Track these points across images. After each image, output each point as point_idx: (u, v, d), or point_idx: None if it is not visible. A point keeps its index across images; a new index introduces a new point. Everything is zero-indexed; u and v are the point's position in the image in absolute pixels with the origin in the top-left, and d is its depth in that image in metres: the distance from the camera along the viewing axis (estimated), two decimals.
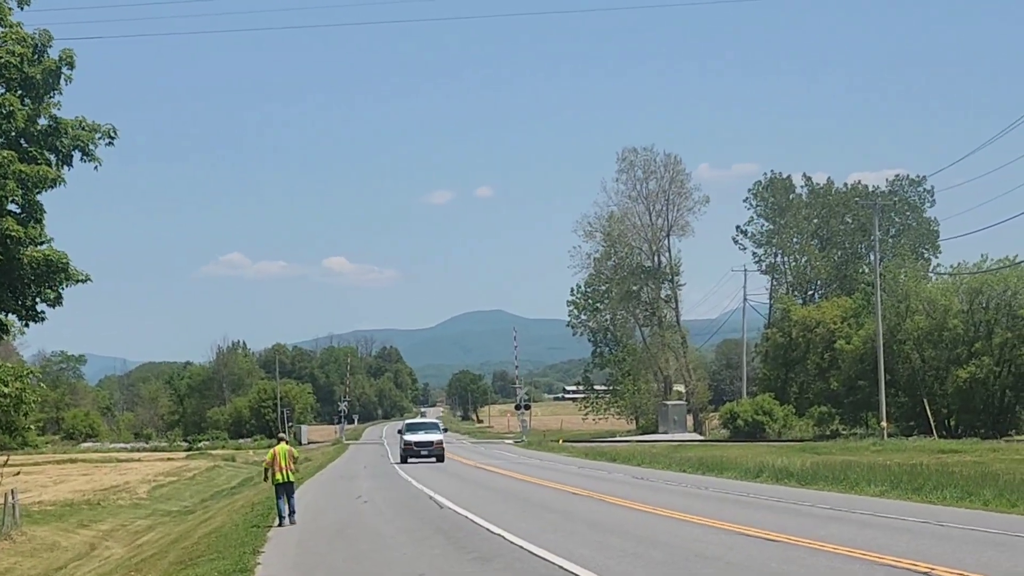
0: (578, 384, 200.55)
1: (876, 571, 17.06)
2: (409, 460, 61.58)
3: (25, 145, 24.66)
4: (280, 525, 31.29)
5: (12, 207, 23.04)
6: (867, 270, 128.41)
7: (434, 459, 60.96)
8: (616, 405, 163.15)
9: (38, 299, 26.49)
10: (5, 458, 57.39)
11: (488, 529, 26.08)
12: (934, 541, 23.76)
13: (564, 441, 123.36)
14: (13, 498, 42.48)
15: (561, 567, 18.87)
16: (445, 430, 62.84)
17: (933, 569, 16.62)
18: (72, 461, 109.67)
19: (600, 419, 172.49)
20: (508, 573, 18.64)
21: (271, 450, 34.75)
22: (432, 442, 61.85)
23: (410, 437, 62.60)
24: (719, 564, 19.81)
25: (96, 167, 27.60)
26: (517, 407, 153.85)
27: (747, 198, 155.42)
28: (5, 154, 24.75)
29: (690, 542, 24.53)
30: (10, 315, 24.71)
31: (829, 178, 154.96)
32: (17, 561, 35.74)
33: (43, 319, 28.29)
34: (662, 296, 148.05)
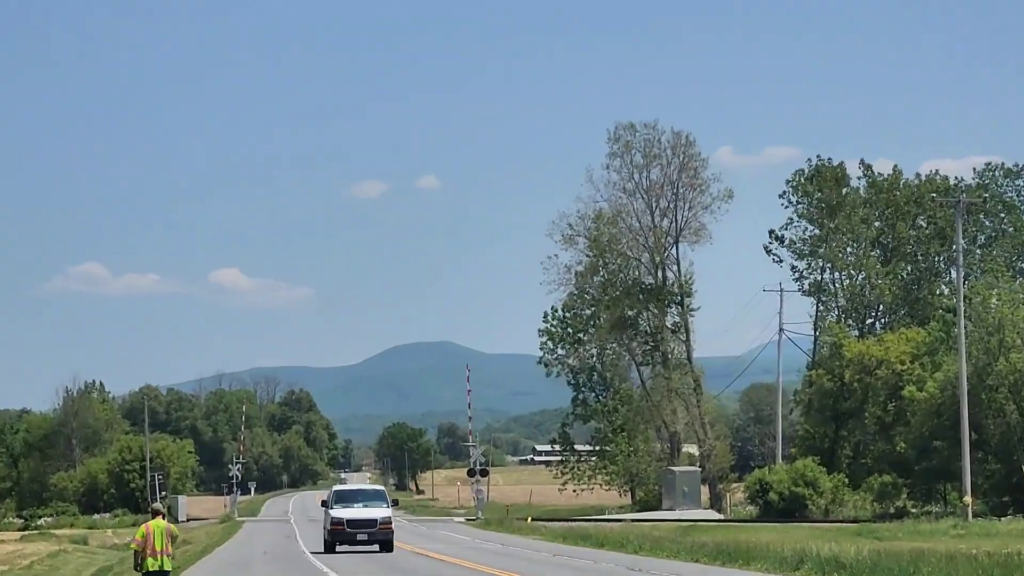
0: (553, 443, 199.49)
1: None
2: (339, 548, 54.61)
3: None
4: None
5: None
6: (947, 291, 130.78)
7: (376, 547, 54.18)
8: (604, 471, 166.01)
9: None
10: None
11: None
12: None
13: (534, 519, 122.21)
14: None
15: None
16: (395, 502, 57.98)
17: None
18: None
19: (583, 490, 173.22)
20: None
21: (142, 527, 29.24)
22: (375, 520, 53.74)
23: (341, 513, 53.96)
24: None
25: None
26: (471, 473, 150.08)
27: (784, 192, 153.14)
28: None
29: None
30: None
31: (896, 167, 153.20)
32: None
33: None
34: (668, 324, 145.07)
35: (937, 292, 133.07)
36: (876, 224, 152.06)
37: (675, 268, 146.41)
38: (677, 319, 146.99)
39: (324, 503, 63.90)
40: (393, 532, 57.33)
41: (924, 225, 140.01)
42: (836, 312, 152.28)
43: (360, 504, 55.71)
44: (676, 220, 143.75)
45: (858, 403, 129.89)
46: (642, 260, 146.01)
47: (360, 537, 53.04)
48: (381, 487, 66.64)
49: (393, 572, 41.51)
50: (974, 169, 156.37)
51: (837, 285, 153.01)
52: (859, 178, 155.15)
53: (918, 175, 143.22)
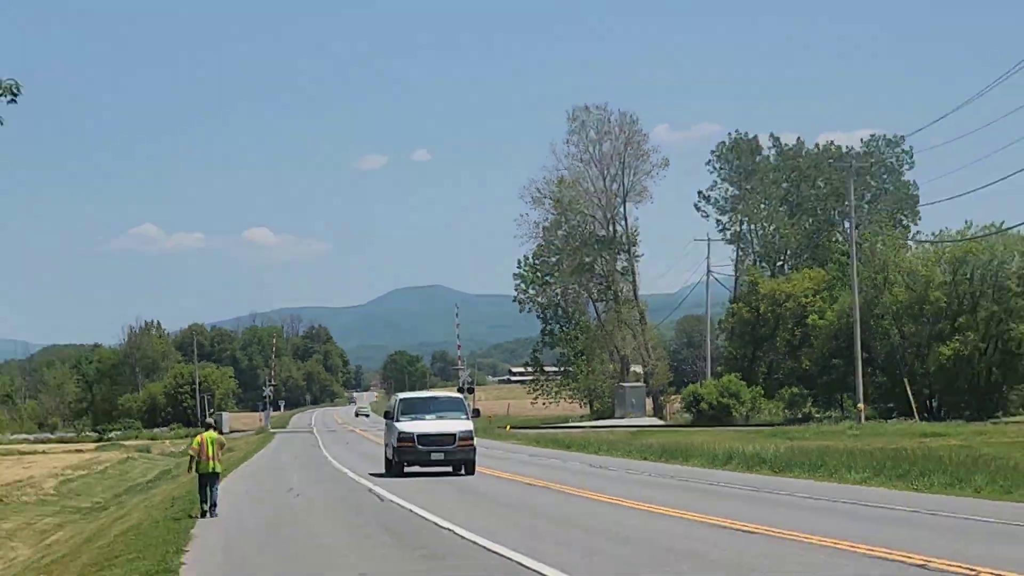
0: (526, 365, 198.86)
1: (868, 565, 16.90)
2: (407, 471, 40.89)
3: None
4: (202, 517, 31.24)
5: None
6: (841, 239, 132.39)
7: (462, 470, 40.74)
8: (568, 388, 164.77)
9: None
10: None
11: (436, 524, 25.15)
12: (927, 532, 23.89)
13: (512, 427, 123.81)
14: None
15: (521, 564, 18.05)
16: (476, 413, 44.35)
17: (929, 562, 16.29)
18: None
19: (551, 403, 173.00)
20: (461, 572, 17.73)
21: (197, 437, 34.39)
22: (454, 435, 39.48)
23: (410, 427, 39.83)
24: (701, 562, 19.21)
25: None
26: (459, 390, 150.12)
27: (710, 161, 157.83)
28: None
29: (662, 536, 24.18)
30: None
31: (799, 138, 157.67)
32: None
33: None
34: (618, 268, 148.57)
35: (834, 240, 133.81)
36: (784, 186, 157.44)
37: (623, 223, 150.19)
38: (625, 264, 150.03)
39: (387, 414, 46.20)
40: (475, 450, 42.04)
41: (823, 186, 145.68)
42: (752, 257, 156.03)
43: (434, 415, 40.52)
44: (623, 184, 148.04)
45: (771, 330, 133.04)
46: (596, 217, 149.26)
47: (435, 456, 39.25)
48: (458, 394, 50.53)
49: (407, 473, 35.99)
50: (861, 139, 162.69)
51: (753, 235, 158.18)
52: (770, 148, 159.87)
53: (817, 145, 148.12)
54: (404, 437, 40.71)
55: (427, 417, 42.05)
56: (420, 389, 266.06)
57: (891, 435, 79.49)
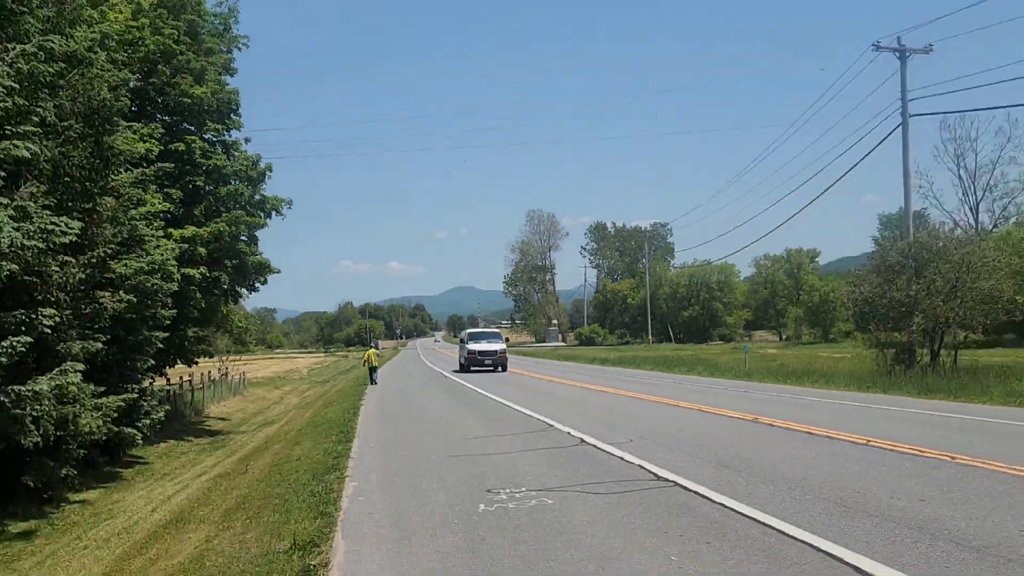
0: (509, 319, 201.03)
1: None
2: (472, 369, 39.06)
3: (249, 208, 25.60)
4: (371, 385, 32.13)
5: (243, 238, 24.94)
6: (642, 266, 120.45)
7: (499, 369, 38.45)
8: (526, 330, 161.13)
9: (256, 282, 26.39)
10: (238, 358, 62.98)
11: (478, 391, 24.74)
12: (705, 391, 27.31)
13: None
14: (243, 376, 45.95)
15: (519, 410, 18.53)
16: (506, 340, 44.09)
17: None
18: (270, 358, 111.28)
19: (517, 336, 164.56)
20: (486, 413, 17.46)
21: (366, 352, 37.12)
22: (496, 351, 38.80)
23: (473, 346, 39.66)
24: (586, 405, 24.12)
25: (283, 218, 27.99)
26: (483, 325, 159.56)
27: (587, 232, 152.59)
28: (239, 213, 24.10)
29: (592, 396, 24.68)
30: (242, 289, 26.10)
31: (624, 224, 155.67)
32: (245, 404, 36.52)
33: (257, 291, 27.50)
34: (547, 279, 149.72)
35: (640, 266, 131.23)
36: (617, 244, 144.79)
37: (549, 260, 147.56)
38: (549, 277, 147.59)
39: (460, 340, 47.19)
40: (506, 360, 40.13)
41: (634, 244, 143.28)
42: (604, 274, 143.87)
43: (484, 341, 39.78)
44: (549, 243, 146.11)
45: (611, 305, 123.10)
46: (536, 257, 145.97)
47: (486, 362, 37.84)
48: (497, 330, 49.84)
49: (503, 383, 29.37)
50: (651, 223, 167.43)
51: (603, 265, 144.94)
52: (611, 227, 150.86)
53: (632, 226, 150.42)
54: (470, 352, 39.61)
55: (481, 341, 40.76)
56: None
57: (666, 349, 77.23)
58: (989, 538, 6.16)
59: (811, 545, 6.12)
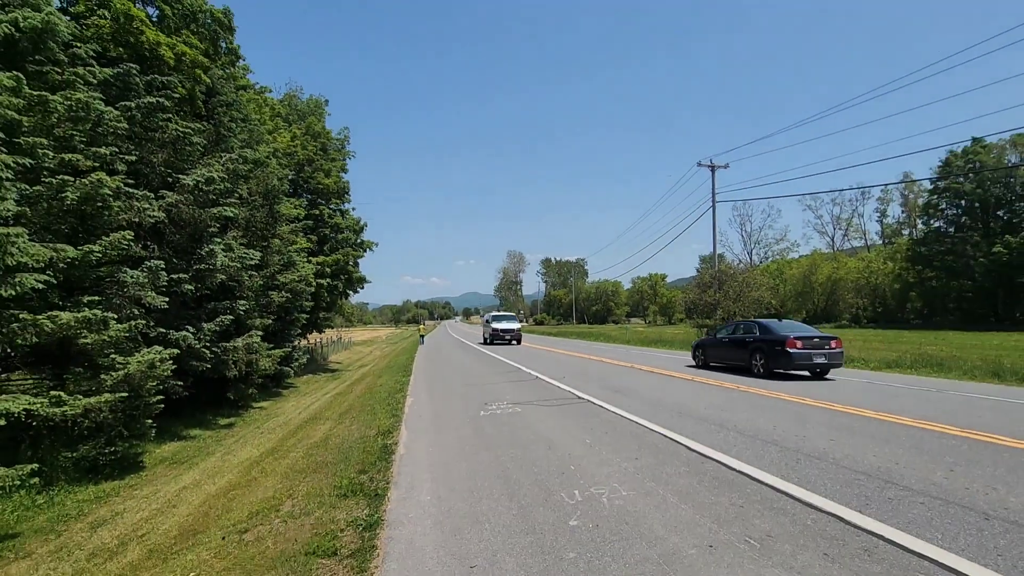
0: (497, 311, 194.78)
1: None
2: (495, 343, 30.46)
3: (354, 247, 23.04)
4: (420, 345, 31.37)
5: (350, 263, 22.17)
6: (571, 282, 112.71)
7: (515, 343, 29.61)
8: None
9: (358, 288, 23.52)
10: (347, 329, 61.55)
11: (497, 358, 19.72)
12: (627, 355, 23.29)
13: None
14: (350, 339, 42.09)
15: (523, 369, 16.59)
16: (522, 320, 26.41)
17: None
18: (364, 330, 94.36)
19: None
20: (502, 371, 14.93)
21: (419, 327, 40.34)
22: (513, 329, 30.37)
23: (496, 325, 30.99)
24: (577, 359, 19.27)
25: (373, 252, 24.71)
26: (481, 316, 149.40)
27: (540, 263, 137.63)
28: (348, 249, 22.40)
29: (577, 362, 22.18)
30: (350, 291, 23.48)
31: (561, 257, 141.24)
32: (351, 355, 32.69)
33: (358, 293, 24.10)
34: (518, 288, 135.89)
35: (568, 283, 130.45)
36: (556, 271, 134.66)
37: (521, 279, 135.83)
38: (518, 289, 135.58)
39: (485, 321, 34.42)
40: (521, 335, 31.79)
41: (565, 271, 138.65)
42: (550, 285, 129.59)
43: (505, 322, 30.74)
44: (517, 270, 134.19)
45: (556, 303, 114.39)
46: (513, 277, 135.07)
47: (506, 337, 29.42)
48: (513, 314, 34.71)
49: (520, 352, 22.71)
50: (578, 257, 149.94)
51: (551, 281, 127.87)
52: (555, 261, 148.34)
53: (564, 260, 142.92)
54: (494, 330, 30.44)
55: (502, 322, 31.16)
56: (468, 317, 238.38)
57: (582, 328, 69.55)
58: (708, 412, 6.52)
59: (662, 435, 6.35)
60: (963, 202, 46.56)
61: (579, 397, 9.30)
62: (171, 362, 9.02)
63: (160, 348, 8.87)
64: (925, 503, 3.99)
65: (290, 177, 20.81)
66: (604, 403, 8.56)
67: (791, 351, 11.67)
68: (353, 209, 28.63)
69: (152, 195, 10.00)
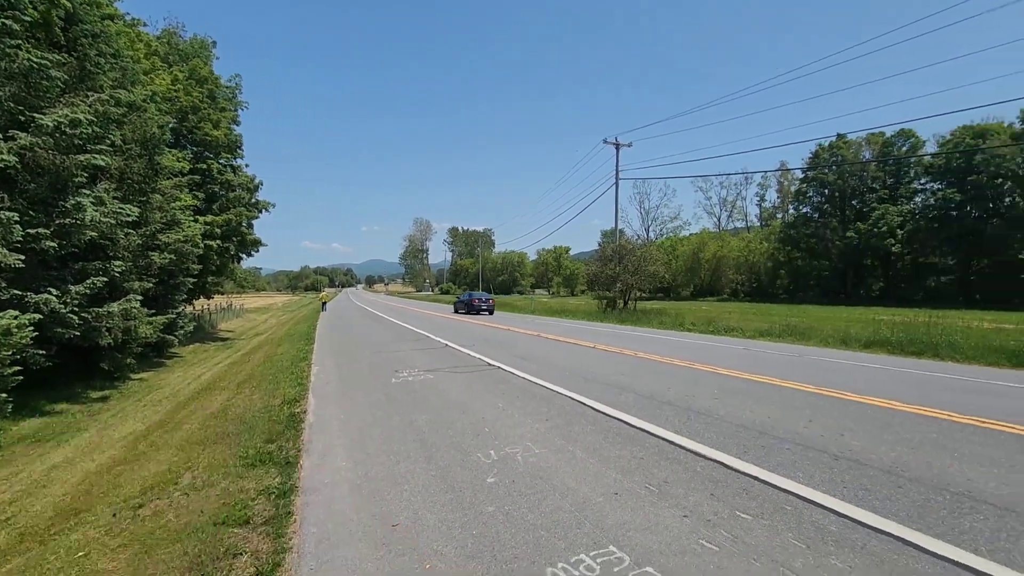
0: (402, 278, 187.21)
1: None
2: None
3: (248, 207, 22.32)
4: (323, 312, 31.13)
5: (244, 224, 21.79)
6: (478, 252, 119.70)
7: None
8: (412, 284, 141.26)
9: (252, 251, 22.56)
10: (238, 295, 59.81)
11: (386, 317, 22.21)
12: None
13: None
14: (242, 306, 40.46)
15: (459, 349, 15.55)
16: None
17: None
18: (258, 296, 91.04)
19: (406, 287, 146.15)
20: (386, 328, 16.03)
21: (320, 294, 39.37)
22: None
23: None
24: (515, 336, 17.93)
25: (269, 213, 24.24)
26: (385, 283, 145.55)
27: (448, 231, 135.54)
28: (241, 209, 21.57)
29: (502, 334, 20.11)
30: (243, 255, 22.92)
31: (469, 227, 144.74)
32: (244, 323, 31.16)
33: (252, 256, 24.04)
34: (425, 257, 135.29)
35: (476, 254, 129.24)
36: (463, 242, 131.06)
37: (426, 247, 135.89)
38: (426, 256, 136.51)
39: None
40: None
41: (472, 243, 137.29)
42: (457, 254, 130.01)
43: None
44: (426, 236, 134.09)
45: (460, 273, 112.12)
46: (419, 245, 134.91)
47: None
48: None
49: (390, 308, 28.67)
50: (483, 227, 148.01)
51: (457, 252, 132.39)
52: (464, 229, 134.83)
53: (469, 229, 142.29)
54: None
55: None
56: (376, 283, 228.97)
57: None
58: (619, 379, 7.04)
59: (570, 397, 6.64)
60: (826, 191, 51.97)
61: (489, 364, 9.46)
62: (31, 328, 8.13)
63: (16, 312, 7.94)
64: (790, 449, 4.58)
65: (171, 125, 18.82)
66: (514, 369, 8.79)
67: (475, 303, 25.38)
68: (247, 166, 27.12)
69: None
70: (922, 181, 46.65)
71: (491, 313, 29.45)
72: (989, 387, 7.35)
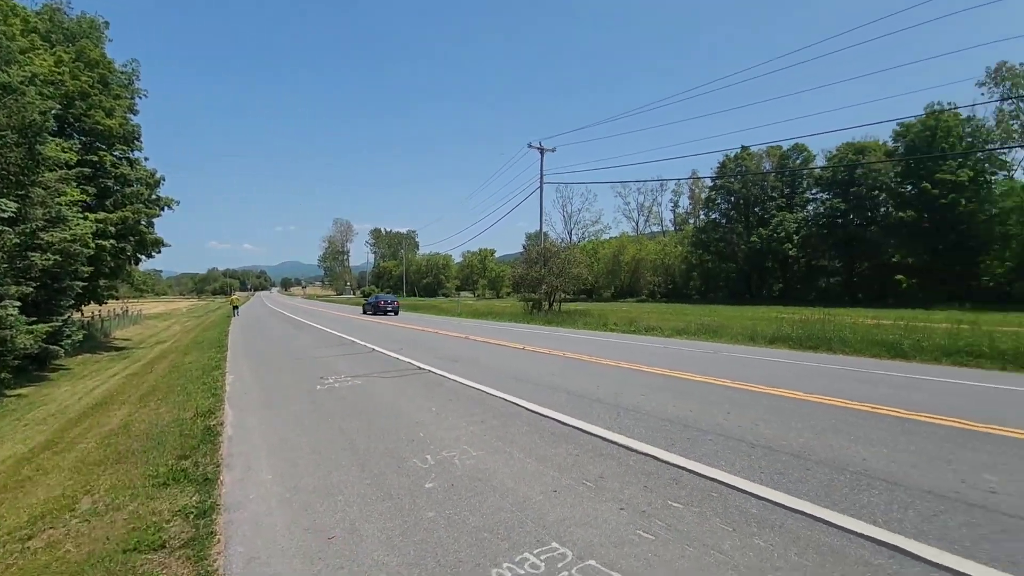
0: (321, 281, 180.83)
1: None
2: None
3: (148, 204, 21.07)
4: (234, 317, 30.17)
5: (142, 223, 20.67)
6: (401, 254, 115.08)
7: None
8: (331, 287, 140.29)
9: (152, 252, 21.47)
10: (136, 300, 51.09)
11: (304, 321, 22.41)
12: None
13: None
14: (139, 312, 37.81)
15: (366, 345, 15.59)
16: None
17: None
18: (158, 302, 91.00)
19: (326, 291, 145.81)
20: (305, 332, 15.83)
21: (230, 298, 36.66)
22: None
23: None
24: (444, 339, 17.76)
25: (173, 211, 23.37)
26: (303, 286, 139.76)
27: (370, 233, 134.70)
28: (139, 206, 20.56)
29: (405, 331, 21.65)
30: (143, 256, 21.73)
31: (392, 228, 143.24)
32: (142, 331, 29.83)
33: (153, 258, 22.38)
34: (346, 259, 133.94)
35: (405, 255, 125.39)
36: (385, 246, 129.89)
37: (347, 249, 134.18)
38: (347, 258, 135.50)
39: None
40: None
41: (398, 242, 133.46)
42: (380, 256, 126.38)
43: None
44: (347, 238, 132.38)
45: (384, 276, 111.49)
46: (340, 247, 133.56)
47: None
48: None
49: (297, 309, 28.03)
50: (409, 229, 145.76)
51: (379, 253, 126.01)
52: (386, 232, 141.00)
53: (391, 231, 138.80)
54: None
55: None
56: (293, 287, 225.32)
57: (414, 300, 60.60)
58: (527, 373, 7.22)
59: (504, 399, 6.65)
60: (732, 199, 55.83)
61: (419, 368, 9.31)
62: None
63: None
64: (712, 439, 4.88)
65: (55, 112, 16.80)
66: (445, 372, 8.70)
67: (381, 305, 27.17)
68: (146, 159, 24.96)
69: None
70: (813, 191, 51.07)
71: (396, 313, 31.25)
72: (875, 376, 8.15)
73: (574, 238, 72.81)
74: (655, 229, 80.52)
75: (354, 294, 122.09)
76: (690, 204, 75.31)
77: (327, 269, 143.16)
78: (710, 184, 61.23)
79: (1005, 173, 40.47)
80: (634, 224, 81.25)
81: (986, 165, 40.11)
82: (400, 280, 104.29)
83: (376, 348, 12.46)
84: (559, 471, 4.09)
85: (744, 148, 55.15)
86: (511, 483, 3.88)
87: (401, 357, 10.76)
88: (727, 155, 57.62)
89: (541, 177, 31.67)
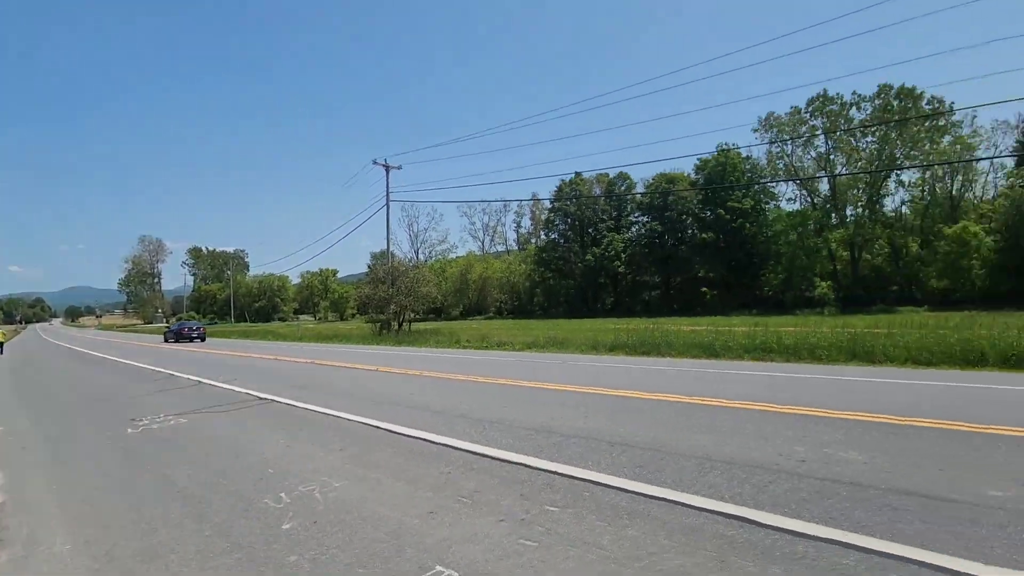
0: (124, 309, 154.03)
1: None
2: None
3: None
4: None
5: None
6: (228, 275, 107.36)
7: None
8: (138, 315, 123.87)
9: None
10: None
11: (94, 354, 19.79)
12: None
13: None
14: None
15: (188, 378, 15.07)
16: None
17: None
18: None
19: (130, 320, 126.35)
20: (101, 368, 14.36)
21: None
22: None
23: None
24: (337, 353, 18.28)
25: None
26: (97, 315, 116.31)
27: (187, 252, 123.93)
28: None
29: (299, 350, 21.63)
30: None
31: (215, 247, 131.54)
32: None
33: None
34: (156, 281, 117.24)
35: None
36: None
37: (158, 270, 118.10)
38: (158, 281, 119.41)
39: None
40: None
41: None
42: (202, 280, 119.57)
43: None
44: (158, 258, 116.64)
45: (205, 301, 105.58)
46: (147, 268, 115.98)
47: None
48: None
49: (169, 356, 25.38)
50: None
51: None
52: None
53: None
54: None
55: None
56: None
57: (243, 327, 64.64)
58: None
59: (363, 423, 6.33)
60: (569, 220, 60.74)
61: (261, 398, 8.52)
62: None
63: None
64: (576, 442, 5.12)
65: None
66: (293, 401, 8.07)
67: (185, 332, 27.65)
68: None
69: None
70: (636, 215, 57.15)
71: (203, 340, 31.10)
72: (701, 374, 9.34)
73: (421, 257, 73.22)
74: (500, 248, 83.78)
75: (167, 322, 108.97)
76: (532, 224, 79.86)
77: (131, 294, 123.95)
78: (549, 206, 66.04)
79: (775, 203, 49.41)
80: (480, 243, 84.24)
81: (762, 196, 48.80)
82: (227, 304, 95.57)
83: (204, 380, 11.19)
84: (433, 491, 3.97)
85: (578, 174, 60.36)
86: (383, 510, 3.66)
87: (237, 388, 9.75)
88: (563, 180, 62.78)
89: (388, 195, 31.02)
